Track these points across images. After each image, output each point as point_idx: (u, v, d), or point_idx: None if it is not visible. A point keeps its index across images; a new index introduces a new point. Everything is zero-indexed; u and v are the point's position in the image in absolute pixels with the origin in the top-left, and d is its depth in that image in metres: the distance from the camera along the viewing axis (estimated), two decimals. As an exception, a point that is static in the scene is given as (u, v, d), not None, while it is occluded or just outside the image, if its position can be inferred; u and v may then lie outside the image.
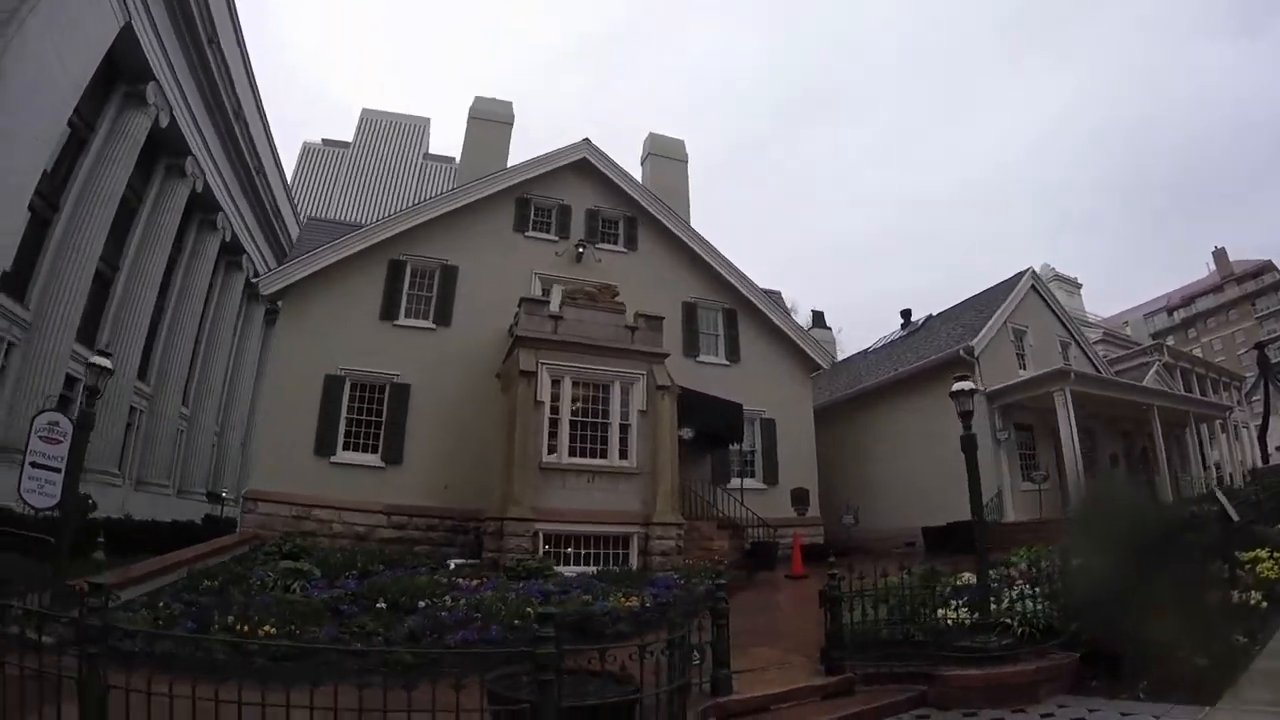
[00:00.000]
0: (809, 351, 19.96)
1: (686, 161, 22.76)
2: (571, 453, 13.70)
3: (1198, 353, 49.60)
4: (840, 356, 30.98)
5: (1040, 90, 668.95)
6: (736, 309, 19.48)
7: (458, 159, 24.48)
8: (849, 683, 7.29)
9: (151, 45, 21.24)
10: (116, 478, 22.89)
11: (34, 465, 9.68)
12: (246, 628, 7.85)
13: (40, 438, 9.91)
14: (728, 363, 18.94)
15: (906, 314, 27.26)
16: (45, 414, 10.46)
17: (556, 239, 18.39)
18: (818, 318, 30.20)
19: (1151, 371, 27.69)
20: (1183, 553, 9.54)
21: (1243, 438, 31.81)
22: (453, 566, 12.46)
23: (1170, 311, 71.84)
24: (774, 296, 20.88)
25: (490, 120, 21.00)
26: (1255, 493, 14.55)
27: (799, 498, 18.14)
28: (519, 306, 14.67)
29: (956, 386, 9.38)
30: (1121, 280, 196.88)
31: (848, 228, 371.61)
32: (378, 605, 9.35)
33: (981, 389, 19.46)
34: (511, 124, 21.41)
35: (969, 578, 9.53)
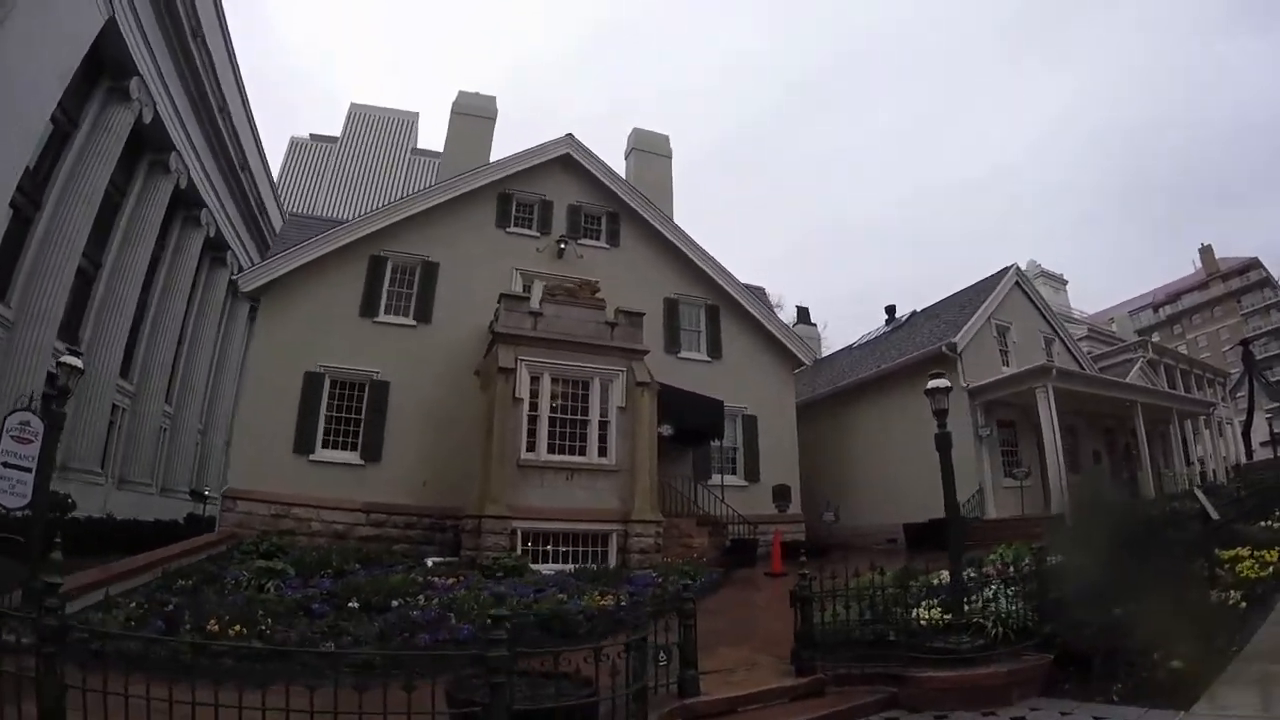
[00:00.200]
0: (791, 348, 19.94)
1: (670, 157, 22.65)
2: (550, 450, 13.67)
3: (1183, 349, 49.91)
4: (825, 353, 31.03)
5: (1039, 90, 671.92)
6: (719, 305, 19.44)
7: (443, 154, 24.34)
8: (819, 684, 7.24)
9: (135, 40, 20.98)
10: (99, 477, 22.65)
11: (5, 465, 9.57)
12: (216, 627, 7.79)
13: (12, 437, 9.78)
14: (709, 359, 18.91)
15: (891, 310, 27.32)
16: (16, 413, 10.32)
17: (538, 235, 18.30)
18: (802, 314, 30.19)
19: (1136, 368, 27.81)
20: (1162, 551, 9.58)
21: (1227, 434, 32.03)
22: (430, 565, 12.41)
23: (1156, 308, 72.22)
24: (757, 292, 20.85)
25: (473, 115, 20.83)
26: (1238, 489, 14.61)
27: (780, 494, 18.14)
28: (499, 303, 14.61)
29: (932, 384, 9.36)
30: (1118, 280, 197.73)
31: (845, 223, 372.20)
32: (350, 605, 9.32)
33: (964, 385, 19.52)
34: (494, 119, 21.26)
35: (946, 576, 9.52)
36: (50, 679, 4.20)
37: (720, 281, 19.43)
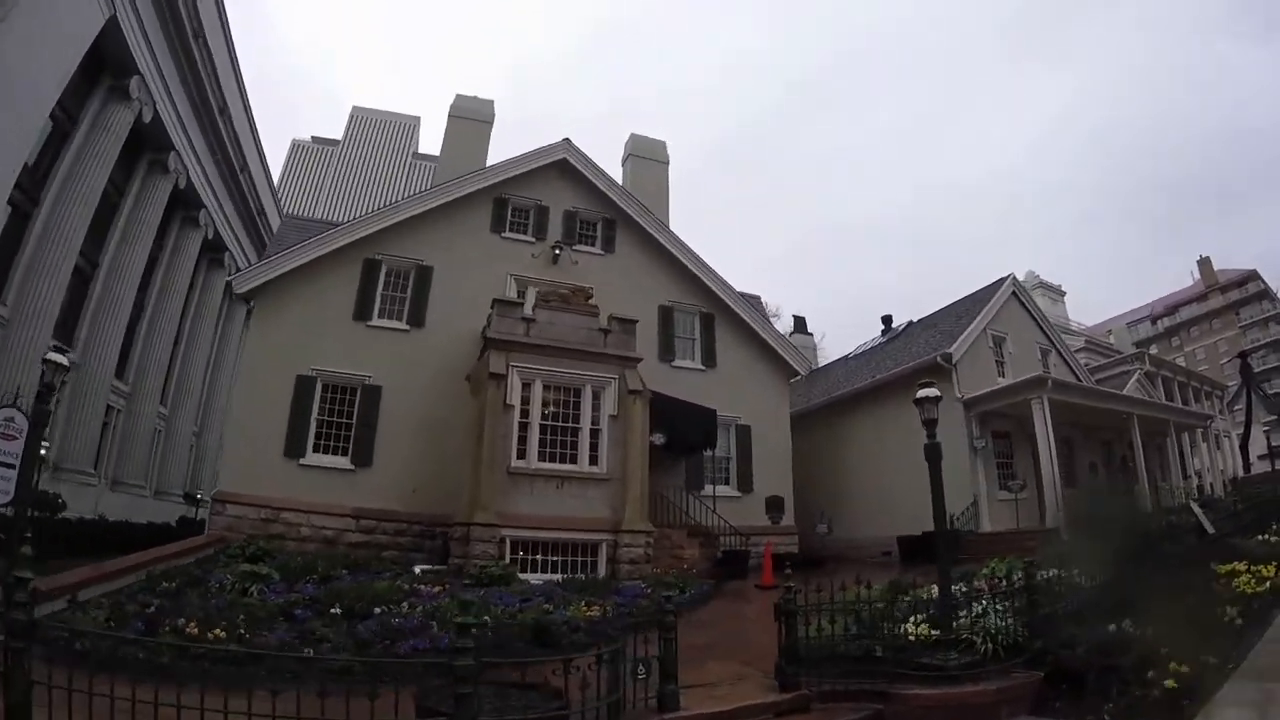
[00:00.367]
0: (787, 357, 19.87)
1: (667, 163, 22.64)
2: (541, 457, 13.59)
3: (1181, 362, 49.78)
4: (823, 362, 30.98)
5: (1039, 89, 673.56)
6: (714, 313, 19.37)
7: (443, 158, 24.32)
8: (804, 700, 7.15)
9: (136, 39, 21.02)
10: (92, 477, 22.61)
11: (-10, 461, 9.52)
12: (196, 630, 7.75)
13: (-2, 433, 9.76)
14: (704, 368, 18.84)
15: (887, 320, 27.26)
16: (1, 409, 10.30)
17: (533, 240, 18.25)
18: (799, 323, 30.12)
19: (1133, 380, 27.66)
20: (1158, 566, 9.48)
21: (1224, 447, 31.88)
22: (418, 572, 12.35)
23: (1154, 320, 72.10)
24: (753, 301, 20.81)
25: (470, 119, 20.82)
26: (1235, 503, 14.47)
27: (774, 505, 18.03)
28: (492, 308, 14.55)
29: (921, 393, 9.26)
30: (1117, 288, 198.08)
31: (844, 223, 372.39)
32: (332, 611, 9.25)
33: (958, 396, 19.44)
34: (491, 123, 21.24)
35: (937, 590, 9.42)
36: (18, 674, 4.21)
37: (716, 289, 19.37)
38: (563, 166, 18.85)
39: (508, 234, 18.15)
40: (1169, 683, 6.02)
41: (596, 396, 14.18)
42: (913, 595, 9.58)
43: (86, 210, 20.63)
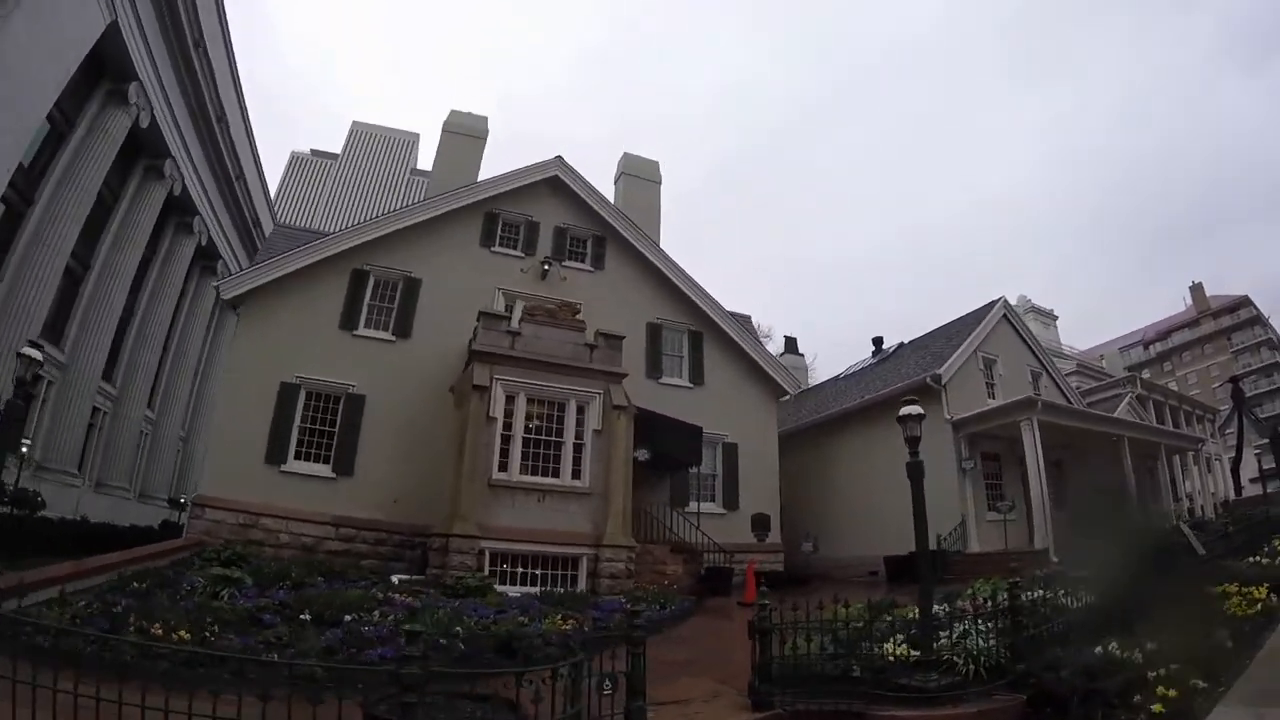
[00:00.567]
0: (775, 377, 19.84)
1: (660, 183, 22.72)
2: (523, 470, 13.51)
3: (1173, 386, 49.96)
4: (814, 383, 30.97)
5: (1035, 120, 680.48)
6: (702, 331, 19.38)
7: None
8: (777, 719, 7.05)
9: (136, 44, 21.16)
10: (75, 478, 22.45)
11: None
12: (160, 630, 7.64)
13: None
14: (691, 385, 18.81)
15: (878, 341, 27.31)
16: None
17: (523, 255, 18.29)
18: (790, 344, 30.17)
19: (1124, 403, 27.76)
20: (1148, 587, 9.37)
21: (1215, 470, 31.91)
22: (396, 582, 12.21)
23: (1146, 345, 72.42)
24: (742, 321, 20.81)
25: (464, 134, 20.92)
26: (1226, 525, 14.39)
27: (760, 523, 17.90)
28: (478, 321, 14.51)
29: (904, 410, 9.19)
30: (1111, 312, 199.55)
31: (840, 249, 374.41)
32: (301, 617, 9.13)
33: (948, 418, 19.43)
34: (485, 138, 21.34)
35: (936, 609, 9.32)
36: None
37: (704, 308, 19.39)
38: (554, 183, 18.93)
39: (497, 248, 18.18)
40: (1156, 707, 5.87)
41: (581, 411, 14.11)
42: (894, 615, 9.48)
43: (80, 212, 20.69)
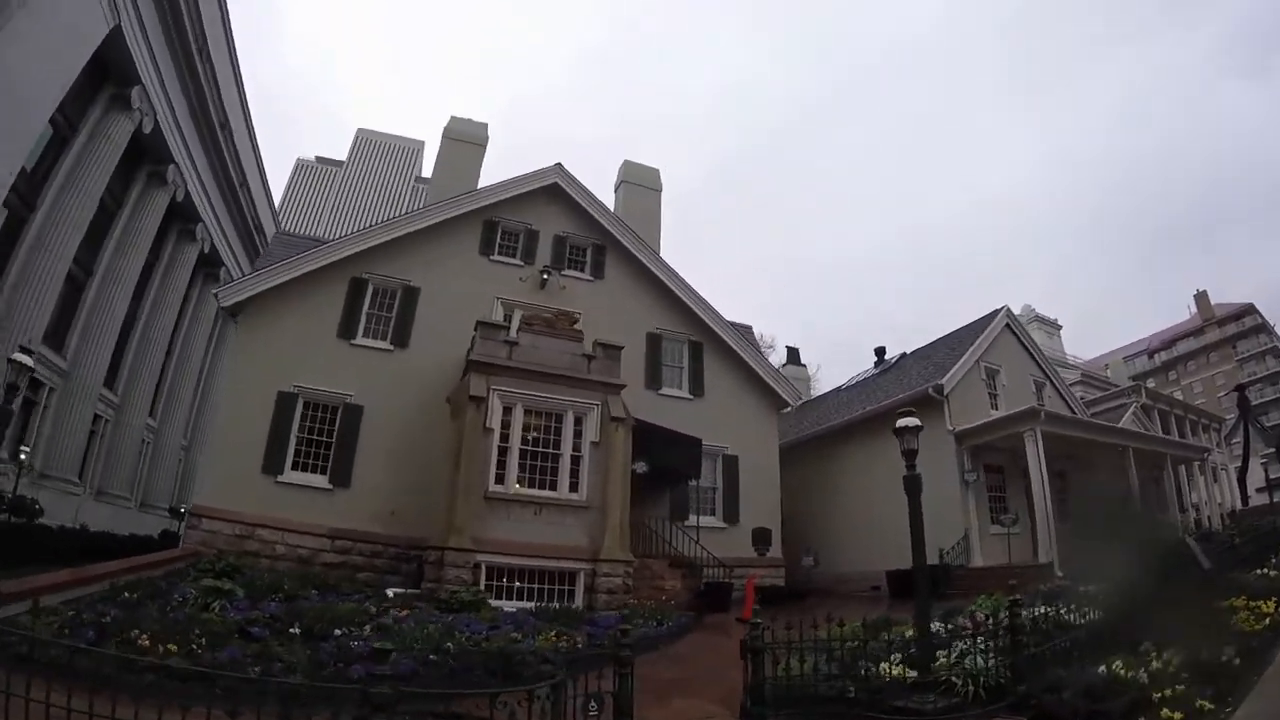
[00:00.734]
0: (776, 388, 19.67)
1: (660, 191, 22.62)
2: (519, 483, 13.40)
3: (1179, 395, 49.58)
4: (817, 394, 30.78)
5: (1039, 126, 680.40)
6: (703, 342, 19.23)
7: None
8: (770, 742, 6.90)
9: (140, 50, 21.24)
10: (76, 486, 22.45)
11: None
12: (147, 642, 7.56)
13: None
14: (691, 396, 18.65)
15: (880, 351, 27.15)
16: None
17: (522, 264, 18.23)
18: (793, 354, 30.01)
19: (1129, 413, 27.47)
20: (1153, 603, 9.17)
21: (1222, 480, 31.58)
22: (391, 595, 12.11)
23: (1151, 354, 72.06)
24: (743, 331, 20.64)
25: (464, 141, 20.87)
26: (1233, 536, 14.15)
27: (760, 538, 17.70)
28: (475, 330, 14.43)
29: (900, 423, 9.06)
30: (1115, 322, 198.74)
31: (843, 256, 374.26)
32: (291, 630, 9.03)
33: (950, 429, 19.25)
34: (485, 145, 21.28)
35: (936, 626, 9.15)
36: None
37: (705, 318, 19.26)
38: (554, 191, 18.86)
39: (496, 257, 18.11)
40: (1160, 730, 5.66)
41: (578, 422, 14.00)
42: (893, 633, 9.29)
43: (83, 218, 20.74)
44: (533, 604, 12.31)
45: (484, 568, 12.57)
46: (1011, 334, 22.83)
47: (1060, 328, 57.76)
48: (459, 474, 12.90)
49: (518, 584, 12.80)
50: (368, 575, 14.21)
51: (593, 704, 5.84)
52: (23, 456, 18.87)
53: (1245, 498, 29.87)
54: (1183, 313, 72.81)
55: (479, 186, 19.28)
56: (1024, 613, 8.41)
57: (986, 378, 21.30)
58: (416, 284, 16.97)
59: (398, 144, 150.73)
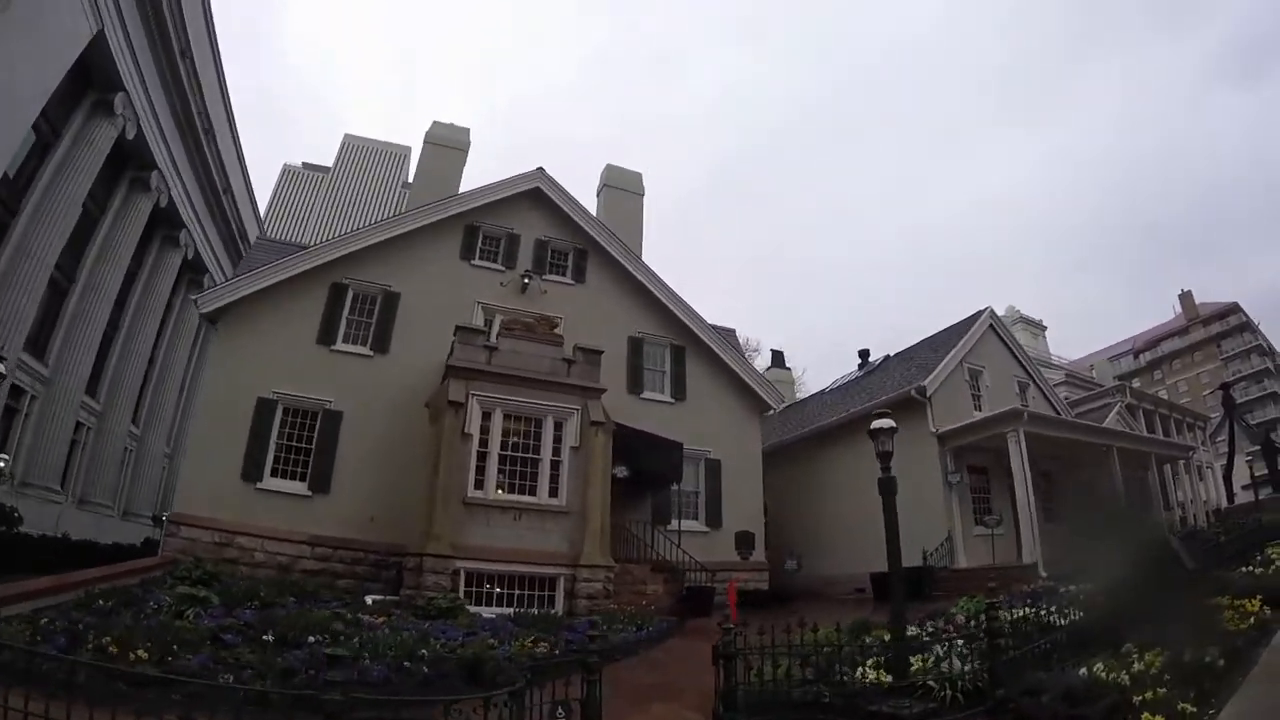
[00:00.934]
0: (759, 391, 19.65)
1: (642, 195, 22.64)
2: (499, 488, 13.34)
3: (1164, 395, 49.89)
4: (803, 397, 30.80)
5: (1029, 135, 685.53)
6: (685, 346, 19.21)
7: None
8: (742, 749, 6.87)
9: (123, 55, 21.10)
10: (58, 495, 22.24)
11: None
12: (116, 649, 7.46)
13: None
14: (673, 400, 18.62)
15: (864, 354, 27.22)
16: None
17: (503, 269, 18.19)
18: (777, 357, 30.01)
19: (1113, 413, 27.66)
20: (1136, 603, 9.17)
21: (1208, 478, 31.80)
22: (370, 602, 12.04)
23: (1136, 354, 72.42)
24: (726, 334, 20.63)
25: (445, 146, 20.84)
26: (1218, 534, 14.19)
27: (743, 541, 17.67)
28: (454, 335, 14.37)
29: (875, 424, 9.10)
30: (1102, 327, 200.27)
31: (834, 261, 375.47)
32: (264, 637, 8.97)
33: (933, 430, 19.32)
34: (466, 150, 21.25)
35: (915, 629, 9.15)
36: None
37: (687, 322, 19.23)
38: (536, 195, 18.84)
39: (477, 262, 18.07)
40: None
41: (558, 427, 13.95)
42: (872, 636, 9.26)
43: (65, 224, 20.59)
44: (512, 610, 12.25)
45: (463, 574, 12.50)
46: (995, 335, 22.93)
47: (1045, 328, 58.06)
48: (438, 479, 12.83)
49: (498, 590, 12.74)
50: (348, 582, 14.12)
51: (560, 710, 5.81)
52: (2, 464, 18.68)
53: (1231, 495, 30.04)
54: (1169, 314, 73.38)
55: (461, 191, 19.24)
56: (1005, 615, 8.41)
57: (970, 379, 21.37)
58: (397, 289, 16.90)
59: (385, 150, 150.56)
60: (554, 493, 13.57)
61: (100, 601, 9.93)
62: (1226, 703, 5.78)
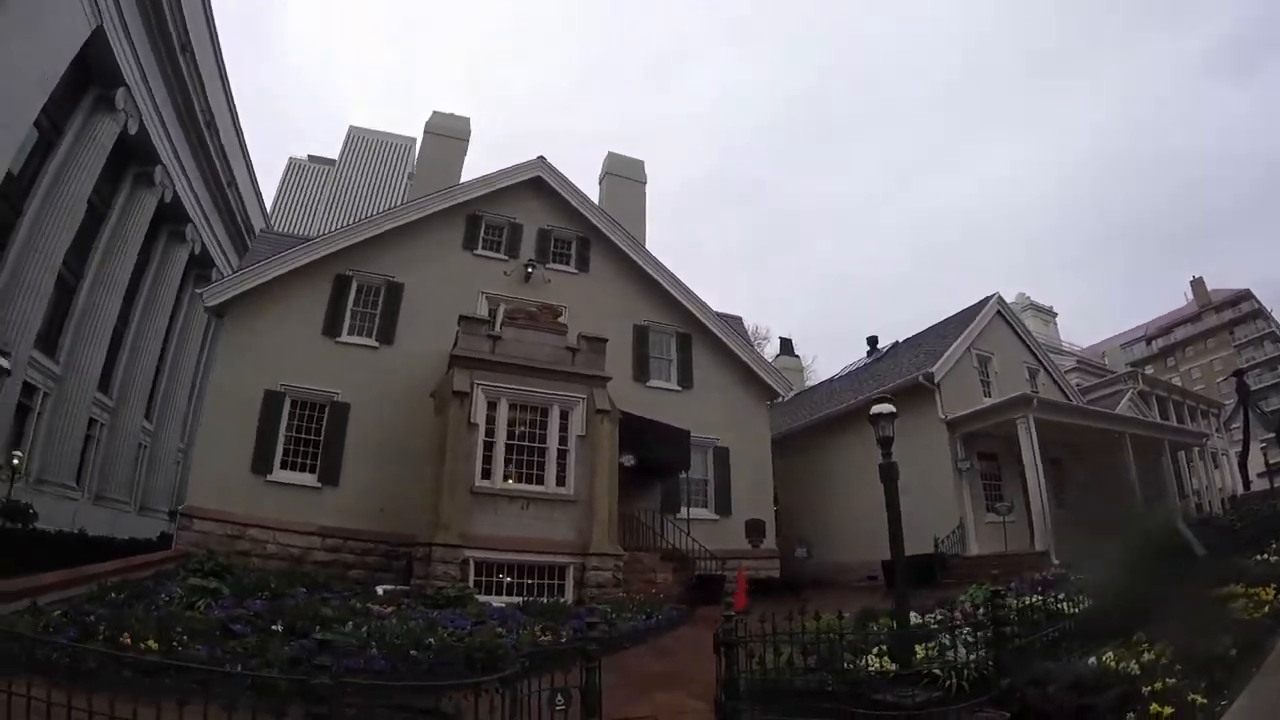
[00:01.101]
0: (766, 379, 19.54)
1: (645, 182, 22.50)
2: (506, 478, 13.35)
3: (1176, 381, 49.32)
4: (812, 384, 30.66)
5: (1039, 128, 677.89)
6: (691, 333, 19.10)
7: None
8: (742, 738, 6.82)
9: (123, 50, 21.10)
10: (74, 491, 22.47)
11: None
12: (128, 639, 7.61)
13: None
14: (680, 388, 18.53)
15: (873, 341, 26.99)
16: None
17: (506, 258, 18.11)
18: (786, 345, 29.80)
19: (1125, 399, 27.38)
20: (1149, 590, 9.04)
21: (1222, 465, 31.47)
22: (380, 592, 12.09)
23: (1149, 341, 71.52)
24: (733, 322, 20.50)
25: (446, 136, 20.75)
26: (1233, 521, 14.01)
27: (753, 529, 17.60)
28: (458, 325, 14.35)
29: (875, 409, 8.99)
30: (1116, 315, 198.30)
31: (850, 254, 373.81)
32: (273, 627, 9.05)
33: (942, 417, 19.17)
34: (467, 139, 21.15)
35: (926, 617, 9.06)
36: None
37: (692, 309, 19.11)
38: (537, 184, 18.72)
39: (480, 251, 18.01)
40: (1150, 728, 5.46)
41: (564, 416, 13.93)
42: (880, 624, 9.18)
43: (71, 221, 20.66)
44: (521, 599, 12.26)
45: (472, 563, 12.53)
46: (1003, 321, 22.70)
47: (1055, 315, 57.47)
48: (444, 469, 12.85)
49: (507, 579, 12.77)
50: (359, 573, 14.17)
51: (559, 698, 5.79)
52: (15, 461, 18.86)
53: (1247, 483, 29.74)
54: (1180, 302, 72.44)
55: (463, 181, 19.16)
56: (1014, 602, 8.30)
57: (978, 365, 21.18)
58: (400, 280, 16.87)
59: (390, 141, 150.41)
60: (561, 481, 13.57)
61: (112, 594, 10.04)
62: (1239, 694, 5.60)
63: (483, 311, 16.46)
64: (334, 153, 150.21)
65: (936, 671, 7.03)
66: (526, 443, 13.69)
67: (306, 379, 15.55)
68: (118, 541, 18.29)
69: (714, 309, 19.76)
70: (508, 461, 13.44)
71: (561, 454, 13.73)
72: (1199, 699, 5.48)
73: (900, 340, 25.59)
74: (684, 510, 17.04)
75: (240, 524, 14.32)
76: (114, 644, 7.41)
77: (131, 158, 24.14)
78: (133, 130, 22.67)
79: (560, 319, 15.02)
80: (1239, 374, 33.31)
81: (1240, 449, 29.12)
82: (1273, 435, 36.29)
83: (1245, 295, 65.48)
